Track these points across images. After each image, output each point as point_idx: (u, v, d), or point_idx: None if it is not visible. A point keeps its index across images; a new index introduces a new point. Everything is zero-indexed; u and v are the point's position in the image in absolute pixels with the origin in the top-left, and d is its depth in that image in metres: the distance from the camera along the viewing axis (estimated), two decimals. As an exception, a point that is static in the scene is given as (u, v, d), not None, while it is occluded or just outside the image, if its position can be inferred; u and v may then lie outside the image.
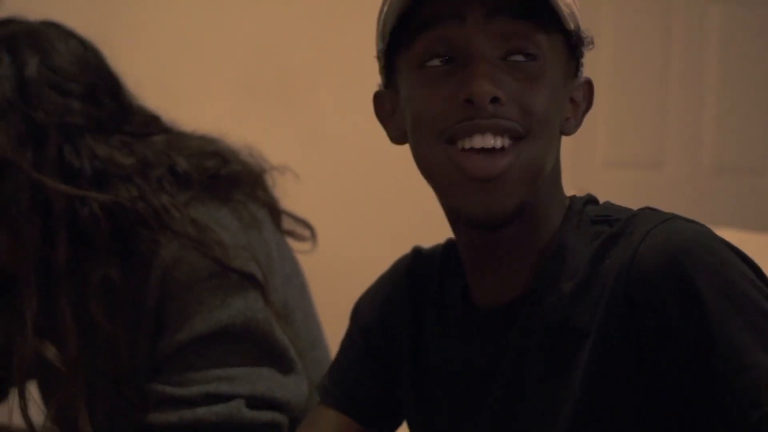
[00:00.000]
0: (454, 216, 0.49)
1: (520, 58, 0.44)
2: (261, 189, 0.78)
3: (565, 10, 0.43)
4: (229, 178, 0.74)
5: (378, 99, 0.51)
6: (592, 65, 0.54)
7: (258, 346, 0.69)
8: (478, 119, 0.42)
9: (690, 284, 0.39)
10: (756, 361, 0.37)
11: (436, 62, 0.44)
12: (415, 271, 0.58)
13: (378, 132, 0.55)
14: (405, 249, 0.62)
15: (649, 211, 0.46)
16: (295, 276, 0.81)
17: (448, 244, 0.57)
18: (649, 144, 2.40)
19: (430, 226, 0.72)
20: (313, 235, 0.84)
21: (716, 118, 2.46)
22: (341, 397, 0.58)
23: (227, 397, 0.66)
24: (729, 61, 2.45)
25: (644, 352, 0.41)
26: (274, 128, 1.55)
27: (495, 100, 0.42)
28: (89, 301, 0.65)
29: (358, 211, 1.73)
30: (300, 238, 0.84)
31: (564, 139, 0.56)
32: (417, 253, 0.59)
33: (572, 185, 1.43)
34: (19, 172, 0.62)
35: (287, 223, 0.83)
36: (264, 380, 0.68)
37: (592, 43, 0.48)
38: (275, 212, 0.80)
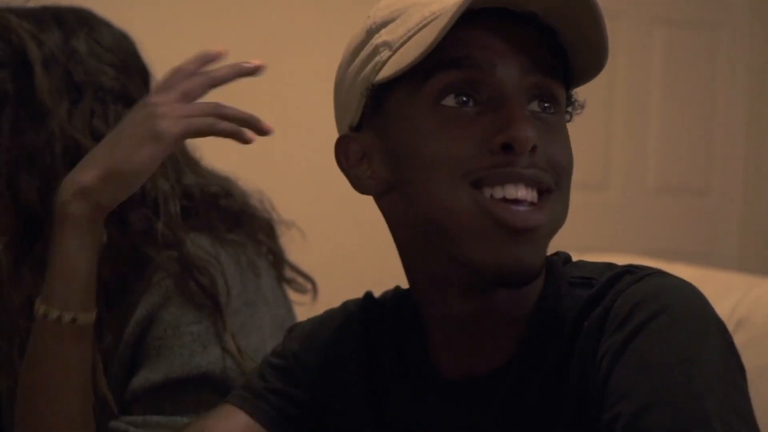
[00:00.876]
0: (453, 273, 0.43)
1: (541, 108, 0.42)
2: (265, 235, 0.78)
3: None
4: (234, 217, 0.74)
5: (342, 143, 0.46)
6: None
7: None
8: (514, 167, 0.40)
9: (644, 336, 0.37)
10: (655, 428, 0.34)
11: (451, 101, 0.41)
12: (368, 321, 0.53)
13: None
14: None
15: (631, 268, 0.44)
16: (289, 323, 0.80)
17: (399, 296, 0.53)
18: (594, 166, 2.42)
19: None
20: (315, 289, 0.83)
21: (659, 140, 2.50)
22: (259, 408, 0.54)
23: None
24: (672, 84, 2.49)
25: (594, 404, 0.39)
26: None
27: (533, 148, 0.39)
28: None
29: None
30: (301, 289, 0.83)
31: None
32: (369, 300, 0.55)
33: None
34: (54, 120, 0.66)
35: (289, 272, 0.82)
36: None
37: (582, 107, 0.47)
38: (278, 260, 0.79)
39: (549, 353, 0.43)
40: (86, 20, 0.73)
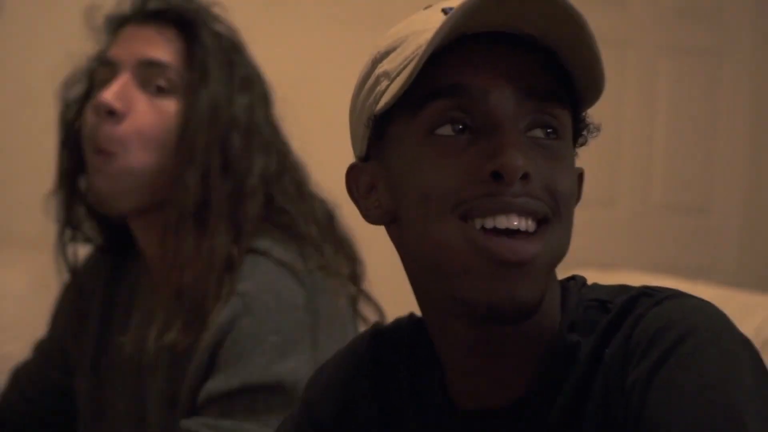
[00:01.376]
0: (452, 307, 0.41)
1: (543, 134, 0.40)
2: (354, 269, 0.81)
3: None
4: (334, 240, 0.79)
5: (353, 172, 0.46)
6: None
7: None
8: (504, 196, 0.37)
9: (673, 364, 0.36)
10: None
11: (448, 130, 0.39)
12: (378, 358, 0.50)
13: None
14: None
15: (648, 290, 0.42)
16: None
17: (414, 325, 0.50)
18: (601, 183, 2.58)
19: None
20: (382, 317, 0.84)
21: (665, 159, 2.66)
22: None
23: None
24: (676, 108, 2.66)
25: None
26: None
27: (525, 176, 0.37)
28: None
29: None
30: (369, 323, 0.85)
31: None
32: (377, 335, 0.52)
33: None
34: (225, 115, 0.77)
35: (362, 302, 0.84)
36: None
37: (598, 129, 0.45)
38: (357, 293, 0.82)
39: (567, 384, 0.41)
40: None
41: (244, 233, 0.74)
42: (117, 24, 0.82)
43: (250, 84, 0.80)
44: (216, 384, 0.70)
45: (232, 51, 0.80)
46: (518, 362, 0.43)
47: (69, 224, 0.84)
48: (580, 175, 0.45)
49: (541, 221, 0.39)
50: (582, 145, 0.45)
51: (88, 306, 0.89)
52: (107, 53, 0.81)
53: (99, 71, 0.81)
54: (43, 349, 0.94)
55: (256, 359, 0.70)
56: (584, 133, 0.44)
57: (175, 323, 0.73)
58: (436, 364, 0.46)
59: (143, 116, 0.76)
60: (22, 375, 0.94)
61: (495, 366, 0.43)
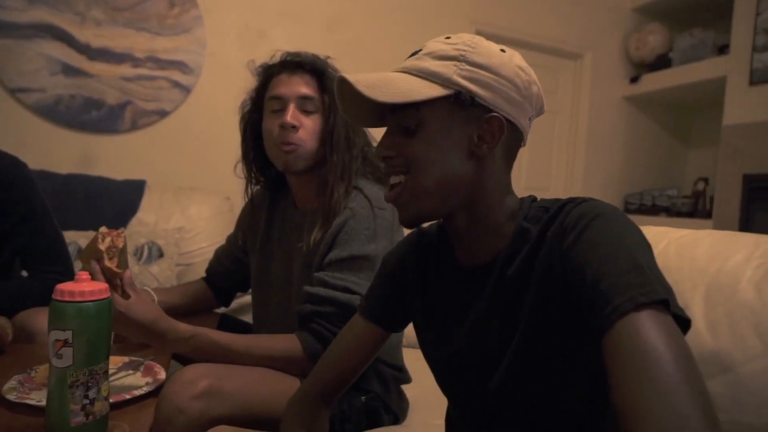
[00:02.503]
0: None
1: (402, 126, 0.68)
2: None
3: (419, 94, 0.65)
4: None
5: None
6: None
7: (374, 272, 0.97)
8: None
9: (589, 231, 0.58)
10: (609, 275, 0.53)
11: None
12: (421, 240, 0.81)
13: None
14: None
15: (572, 198, 0.65)
16: None
17: (440, 225, 0.80)
18: (540, 174, 3.76)
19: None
20: None
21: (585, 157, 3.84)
22: (369, 310, 0.84)
23: (353, 292, 1.02)
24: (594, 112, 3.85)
25: (558, 286, 0.61)
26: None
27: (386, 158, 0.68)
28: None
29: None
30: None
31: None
32: (421, 230, 0.83)
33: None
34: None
35: None
36: None
37: (472, 98, 0.66)
38: None
39: (524, 251, 0.66)
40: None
41: (351, 180, 1.12)
42: (271, 72, 1.16)
43: None
44: (334, 254, 1.05)
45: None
46: (490, 240, 0.70)
47: (249, 177, 1.27)
48: (491, 119, 0.67)
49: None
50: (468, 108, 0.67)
51: (259, 215, 1.30)
52: (275, 91, 1.13)
53: (270, 102, 1.14)
54: (231, 238, 1.41)
55: (356, 242, 1.04)
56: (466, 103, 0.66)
57: (317, 227, 1.10)
58: (449, 242, 0.75)
59: (307, 127, 1.12)
60: (220, 251, 1.44)
61: (468, 241, 0.71)
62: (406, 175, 0.68)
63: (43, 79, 2.55)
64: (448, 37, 0.70)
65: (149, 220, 2.26)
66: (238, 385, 0.92)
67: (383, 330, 0.84)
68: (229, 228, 2.41)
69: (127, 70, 2.70)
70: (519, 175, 3.63)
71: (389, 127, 0.71)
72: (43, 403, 0.85)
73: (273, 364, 1.00)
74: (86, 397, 0.71)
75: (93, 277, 0.93)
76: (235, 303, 1.70)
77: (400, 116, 0.68)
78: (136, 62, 2.71)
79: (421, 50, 0.70)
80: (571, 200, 0.65)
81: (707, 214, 3.38)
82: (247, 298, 1.75)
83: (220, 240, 2.34)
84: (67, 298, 0.71)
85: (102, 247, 0.95)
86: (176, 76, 2.78)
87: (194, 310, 1.36)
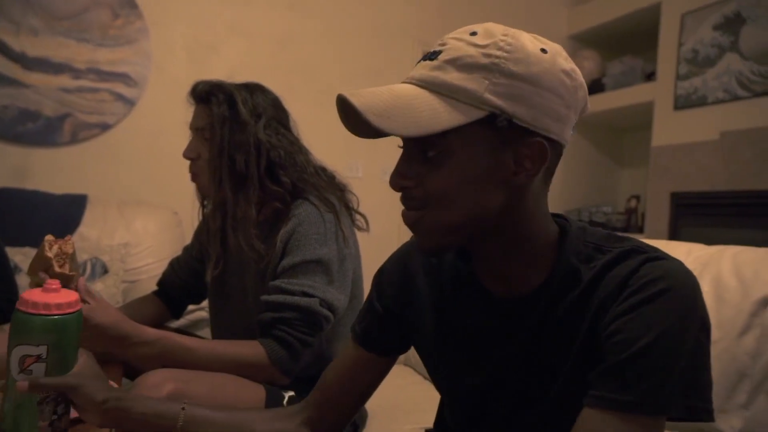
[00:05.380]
0: None
1: (422, 152, 0.57)
2: (345, 194, 1.20)
3: (445, 122, 0.53)
4: (331, 184, 1.19)
5: None
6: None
7: (328, 274, 1.06)
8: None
9: (651, 307, 0.53)
10: (641, 366, 0.52)
11: None
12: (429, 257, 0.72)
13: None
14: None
15: (639, 247, 0.59)
16: (355, 248, 1.18)
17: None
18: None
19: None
20: (368, 225, 1.24)
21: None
22: (362, 336, 0.76)
23: (311, 296, 1.03)
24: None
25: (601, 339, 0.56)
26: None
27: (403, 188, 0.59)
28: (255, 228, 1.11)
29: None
30: (360, 227, 1.23)
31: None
32: None
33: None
34: (250, 128, 1.12)
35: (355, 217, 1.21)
36: (329, 293, 1.05)
37: (508, 119, 0.54)
38: (350, 209, 1.20)
39: (572, 292, 0.59)
40: (257, 87, 1.21)
41: (293, 193, 1.15)
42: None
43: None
44: (287, 261, 1.07)
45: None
46: (526, 270, 0.62)
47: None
48: (534, 144, 0.56)
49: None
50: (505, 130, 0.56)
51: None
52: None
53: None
54: (188, 248, 1.41)
55: (307, 247, 1.06)
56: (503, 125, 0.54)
57: (262, 237, 1.12)
58: (469, 261, 0.66)
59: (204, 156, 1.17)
60: (175, 261, 1.41)
61: (507, 271, 0.63)
62: (423, 210, 0.59)
63: (-26, 88, 2.42)
64: (473, 33, 0.57)
65: (92, 235, 2.17)
66: (203, 389, 0.91)
67: (377, 356, 0.76)
68: (178, 243, 2.39)
69: (66, 81, 2.59)
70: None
71: (406, 151, 0.60)
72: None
73: (238, 369, 0.99)
74: (55, 412, 0.67)
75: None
76: (186, 319, 1.66)
77: (421, 142, 0.57)
78: (76, 73, 2.61)
79: (440, 51, 0.57)
80: (640, 250, 0.59)
81: (639, 229, 3.59)
82: (197, 314, 1.72)
83: (168, 255, 2.26)
84: (41, 311, 0.65)
85: (50, 254, 0.91)
86: (119, 88, 2.70)
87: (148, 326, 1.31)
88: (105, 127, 2.67)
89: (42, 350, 0.64)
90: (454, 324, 0.69)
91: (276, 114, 1.18)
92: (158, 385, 0.86)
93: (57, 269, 0.90)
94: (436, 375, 0.75)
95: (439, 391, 0.77)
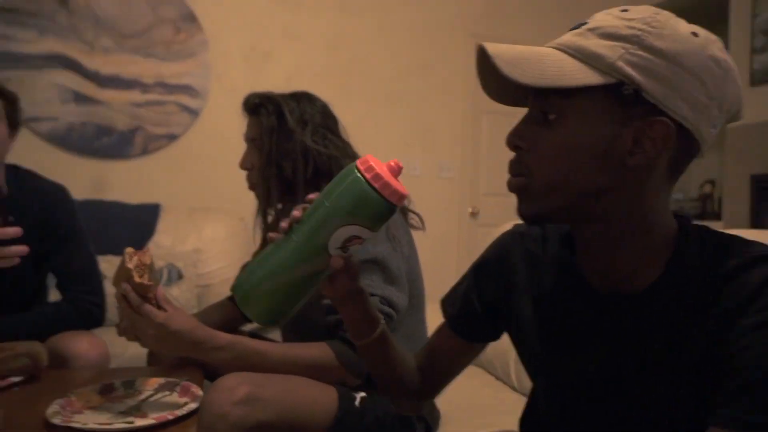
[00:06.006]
0: None
1: (542, 113, 0.56)
2: None
3: (570, 80, 0.53)
4: None
5: None
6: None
7: (385, 273, 1.06)
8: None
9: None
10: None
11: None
12: (528, 246, 0.71)
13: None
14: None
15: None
16: (410, 248, 1.18)
17: (566, 232, 0.68)
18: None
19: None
20: (423, 224, 1.23)
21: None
22: (453, 321, 0.78)
23: (371, 294, 1.01)
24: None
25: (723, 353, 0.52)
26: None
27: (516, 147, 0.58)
28: None
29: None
30: (415, 226, 1.22)
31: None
32: (520, 231, 0.73)
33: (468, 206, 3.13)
34: (297, 136, 1.15)
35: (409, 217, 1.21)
36: (388, 291, 1.06)
37: (636, 88, 0.52)
38: (403, 209, 1.18)
39: (682, 294, 0.55)
40: (304, 95, 1.24)
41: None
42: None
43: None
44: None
45: None
46: (635, 267, 0.58)
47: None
48: (658, 123, 0.53)
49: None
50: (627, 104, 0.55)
51: None
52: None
53: None
54: (257, 254, 1.14)
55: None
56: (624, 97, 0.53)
57: None
58: (572, 250, 0.64)
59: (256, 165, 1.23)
60: (245, 266, 1.15)
61: (613, 264, 0.59)
62: (530, 177, 0.57)
63: (55, 108, 2.59)
64: (624, 10, 0.56)
65: (166, 242, 2.28)
66: (277, 391, 0.93)
67: (468, 342, 0.78)
68: (245, 248, 2.48)
69: (136, 96, 2.73)
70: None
71: (529, 112, 0.59)
72: (89, 425, 0.86)
73: (308, 371, 1.00)
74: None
75: (126, 298, 0.94)
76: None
77: (543, 101, 0.57)
78: (144, 88, 2.75)
79: (585, 23, 0.57)
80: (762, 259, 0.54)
81: (716, 216, 3.39)
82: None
83: (236, 260, 2.38)
84: (401, 203, 0.60)
85: (130, 265, 0.96)
86: (184, 100, 2.82)
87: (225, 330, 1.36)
88: (172, 138, 2.80)
89: (368, 234, 0.61)
90: (554, 316, 0.67)
91: (323, 121, 1.21)
92: (233, 388, 0.89)
93: (137, 279, 0.95)
94: (532, 365, 0.73)
95: (533, 379, 0.75)
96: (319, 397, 0.98)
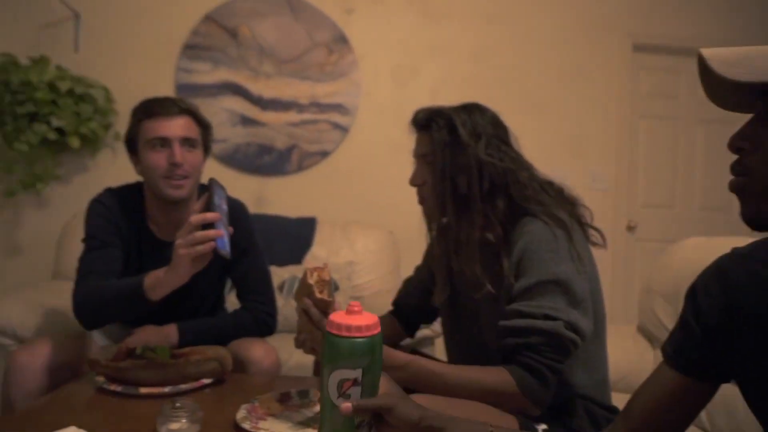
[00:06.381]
0: None
1: None
2: (576, 208, 1.15)
3: None
4: (560, 200, 1.14)
5: None
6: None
7: (568, 294, 1.00)
8: None
9: None
10: None
11: None
12: (748, 257, 0.65)
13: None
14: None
15: None
16: (591, 266, 1.12)
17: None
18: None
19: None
20: (604, 240, 1.16)
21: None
22: (674, 357, 0.70)
23: (554, 318, 0.98)
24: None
25: None
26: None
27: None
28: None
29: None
30: (596, 243, 1.16)
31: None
32: (758, 243, 0.66)
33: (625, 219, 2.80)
34: (471, 150, 1.11)
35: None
36: (573, 315, 0.99)
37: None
38: (583, 225, 1.14)
39: None
40: (475, 107, 1.20)
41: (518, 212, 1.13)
42: None
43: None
44: (522, 283, 1.04)
45: None
46: None
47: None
48: None
49: None
50: None
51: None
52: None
53: None
54: (419, 269, 1.43)
55: (541, 266, 1.02)
56: None
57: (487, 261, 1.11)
58: None
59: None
60: (408, 281, 1.45)
61: None
62: (749, 177, 0.57)
63: (226, 131, 2.87)
64: None
65: (322, 255, 2.40)
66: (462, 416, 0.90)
67: (696, 381, 0.69)
68: (394, 261, 2.53)
69: (293, 116, 2.93)
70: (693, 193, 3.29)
71: (755, 113, 0.59)
72: (275, 433, 0.91)
73: (485, 396, 0.97)
74: None
75: (307, 312, 0.98)
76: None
77: None
78: (300, 108, 2.94)
79: None
80: None
81: None
82: (422, 332, 1.77)
83: (385, 273, 2.44)
84: (363, 333, 0.65)
85: (311, 281, 1.00)
86: (335, 118, 2.96)
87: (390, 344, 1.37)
88: (324, 155, 2.95)
89: (358, 373, 0.65)
90: None
91: (496, 132, 1.16)
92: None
93: (317, 295, 0.99)
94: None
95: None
96: (501, 426, 0.92)
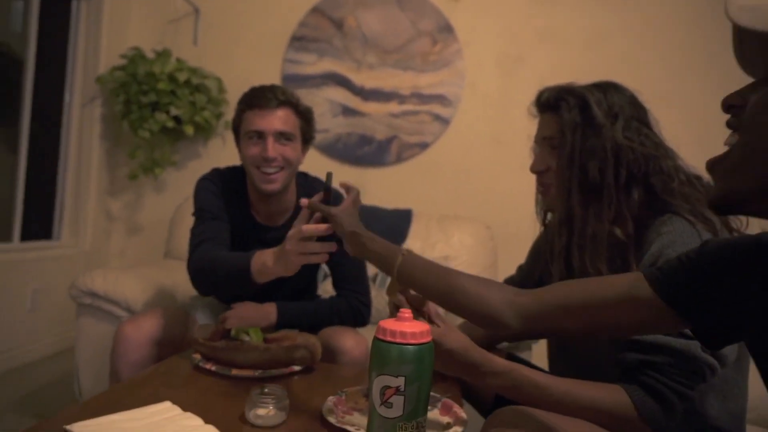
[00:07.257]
0: None
1: None
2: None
3: None
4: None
5: None
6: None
7: None
8: None
9: None
10: None
11: None
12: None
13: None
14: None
15: None
16: None
17: None
18: None
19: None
20: None
21: None
22: (666, 286, 0.69)
23: (689, 337, 0.85)
24: None
25: None
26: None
27: None
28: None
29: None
30: None
31: None
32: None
33: None
34: (606, 131, 0.99)
35: None
36: None
37: None
38: (732, 231, 0.99)
39: None
40: (610, 85, 1.07)
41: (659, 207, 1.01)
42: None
43: None
44: None
45: None
46: None
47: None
48: None
49: None
50: None
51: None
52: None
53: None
54: (521, 268, 1.33)
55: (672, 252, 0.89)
56: None
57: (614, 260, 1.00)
58: None
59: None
60: (509, 281, 1.33)
61: None
62: (738, 131, 0.53)
63: (327, 121, 2.91)
64: None
65: (416, 248, 2.34)
66: None
67: (674, 312, 0.67)
68: (490, 256, 2.43)
69: (393, 107, 2.90)
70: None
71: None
72: None
73: (596, 417, 0.85)
74: None
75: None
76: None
77: None
78: (401, 99, 2.90)
79: None
80: None
81: None
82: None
83: (481, 268, 2.34)
84: (407, 340, 0.64)
85: None
86: (437, 109, 2.89)
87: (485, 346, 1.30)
88: (424, 146, 2.89)
89: (400, 381, 0.64)
90: None
91: (635, 112, 1.03)
92: (516, 427, 0.78)
93: (412, 291, 0.94)
94: None
95: None
96: None
